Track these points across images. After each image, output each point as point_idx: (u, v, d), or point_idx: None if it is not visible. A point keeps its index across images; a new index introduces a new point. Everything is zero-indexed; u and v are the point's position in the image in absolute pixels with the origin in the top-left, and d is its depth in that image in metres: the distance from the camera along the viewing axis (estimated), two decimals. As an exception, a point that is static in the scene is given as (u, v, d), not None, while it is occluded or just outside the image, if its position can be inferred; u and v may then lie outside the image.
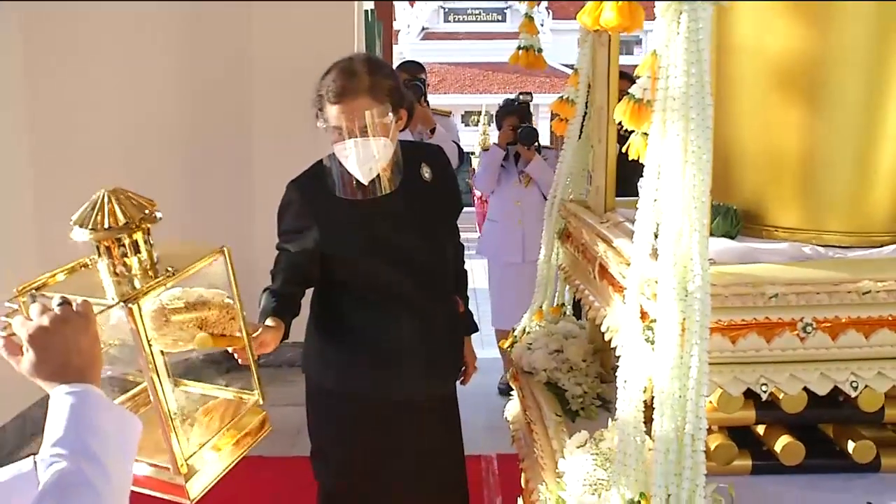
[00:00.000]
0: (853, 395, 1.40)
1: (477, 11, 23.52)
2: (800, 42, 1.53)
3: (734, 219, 1.59)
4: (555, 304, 2.37)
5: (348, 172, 2.00)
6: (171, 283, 1.29)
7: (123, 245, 1.25)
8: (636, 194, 1.30)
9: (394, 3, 7.62)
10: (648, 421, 1.26)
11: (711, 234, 1.36)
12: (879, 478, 1.48)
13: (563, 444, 1.61)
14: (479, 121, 13.02)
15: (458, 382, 2.43)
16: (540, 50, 2.53)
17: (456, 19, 23.63)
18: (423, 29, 23.38)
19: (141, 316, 1.21)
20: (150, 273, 1.27)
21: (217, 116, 4.63)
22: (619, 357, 1.35)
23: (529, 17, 2.50)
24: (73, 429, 1.04)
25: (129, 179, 1.60)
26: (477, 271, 5.58)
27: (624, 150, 1.39)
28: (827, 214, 1.58)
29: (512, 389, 2.38)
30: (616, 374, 1.33)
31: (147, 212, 1.27)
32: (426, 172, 2.19)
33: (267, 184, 3.20)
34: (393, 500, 2.29)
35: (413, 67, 4.74)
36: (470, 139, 10.03)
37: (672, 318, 1.20)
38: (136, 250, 1.26)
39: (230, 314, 1.42)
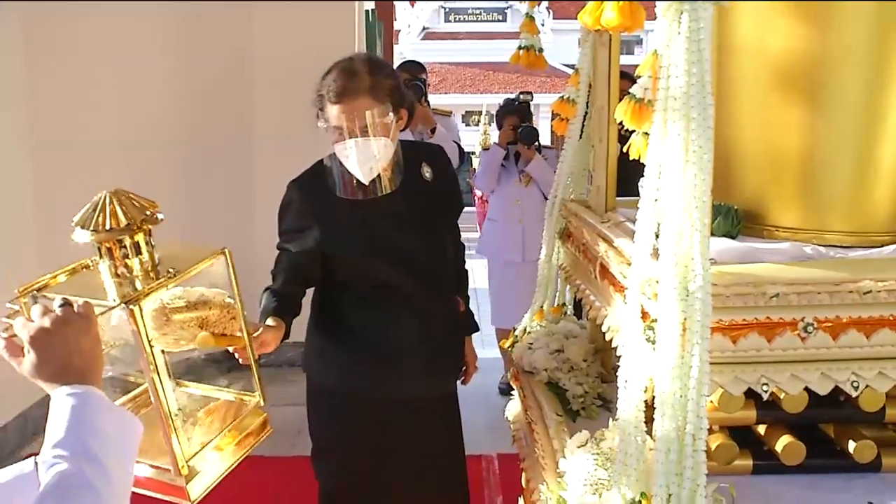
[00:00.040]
0: (854, 394, 1.40)
1: (477, 11, 23.51)
2: (800, 42, 1.53)
3: (735, 218, 1.59)
4: (556, 303, 2.37)
5: (349, 172, 2.01)
6: (172, 285, 1.29)
7: (125, 246, 1.25)
8: (637, 194, 1.30)
9: (394, 3, 7.62)
10: (649, 421, 1.26)
11: (712, 234, 1.36)
12: (880, 478, 1.48)
13: (564, 443, 1.61)
14: (479, 120, 13.01)
15: (458, 382, 2.43)
16: (541, 50, 2.52)
17: (456, 19, 23.62)
18: (424, 29, 23.37)
19: (142, 317, 1.21)
20: (152, 275, 1.27)
21: (217, 116, 4.62)
22: (619, 357, 1.35)
23: (530, 17, 2.50)
24: (74, 430, 1.04)
25: (129, 179, 1.60)
26: (477, 271, 5.57)
27: (625, 149, 1.39)
28: (828, 214, 1.58)
29: (512, 389, 2.37)
30: (617, 373, 1.33)
31: (148, 213, 1.27)
32: (427, 172, 2.19)
33: (267, 184, 3.20)
34: (393, 499, 2.29)
35: (414, 67, 4.74)
36: (470, 139, 10.02)
37: (673, 318, 1.20)
38: (138, 252, 1.26)
39: (231, 314, 1.42)
